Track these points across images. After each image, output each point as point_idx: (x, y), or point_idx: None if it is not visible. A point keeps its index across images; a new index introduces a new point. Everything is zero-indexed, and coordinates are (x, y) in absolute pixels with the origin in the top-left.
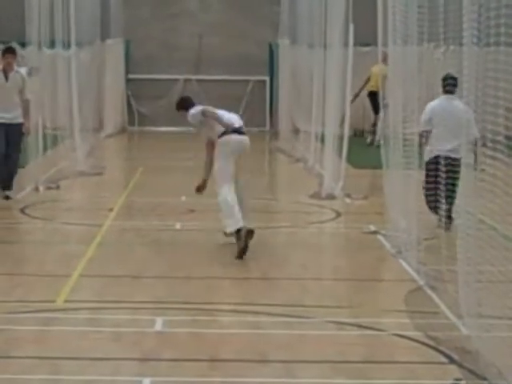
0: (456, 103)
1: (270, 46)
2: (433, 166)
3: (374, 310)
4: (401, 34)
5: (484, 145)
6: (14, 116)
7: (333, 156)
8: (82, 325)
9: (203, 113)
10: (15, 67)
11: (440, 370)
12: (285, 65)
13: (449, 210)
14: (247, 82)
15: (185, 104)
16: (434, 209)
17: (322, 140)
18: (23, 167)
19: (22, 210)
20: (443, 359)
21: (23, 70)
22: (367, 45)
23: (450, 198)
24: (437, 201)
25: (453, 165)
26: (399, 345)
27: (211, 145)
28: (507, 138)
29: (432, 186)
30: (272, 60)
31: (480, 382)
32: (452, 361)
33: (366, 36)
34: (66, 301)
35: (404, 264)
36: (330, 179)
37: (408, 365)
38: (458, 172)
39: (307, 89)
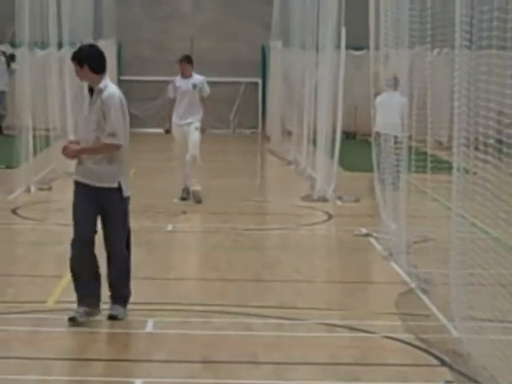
0: (396, 95)
1: (263, 48)
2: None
3: (365, 312)
4: (393, 37)
5: (476, 148)
6: (102, 175)
7: (325, 158)
8: (74, 326)
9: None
10: (103, 81)
11: (431, 373)
12: (277, 67)
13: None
14: (239, 84)
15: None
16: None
17: (314, 142)
18: (11, 168)
19: (14, 211)
20: (434, 361)
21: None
22: (360, 48)
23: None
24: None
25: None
26: (390, 347)
27: None
28: (499, 141)
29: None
30: (264, 62)
31: None
32: (443, 363)
33: (358, 39)
34: (57, 301)
35: (395, 266)
36: (321, 181)
37: (399, 367)
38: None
39: (299, 91)
